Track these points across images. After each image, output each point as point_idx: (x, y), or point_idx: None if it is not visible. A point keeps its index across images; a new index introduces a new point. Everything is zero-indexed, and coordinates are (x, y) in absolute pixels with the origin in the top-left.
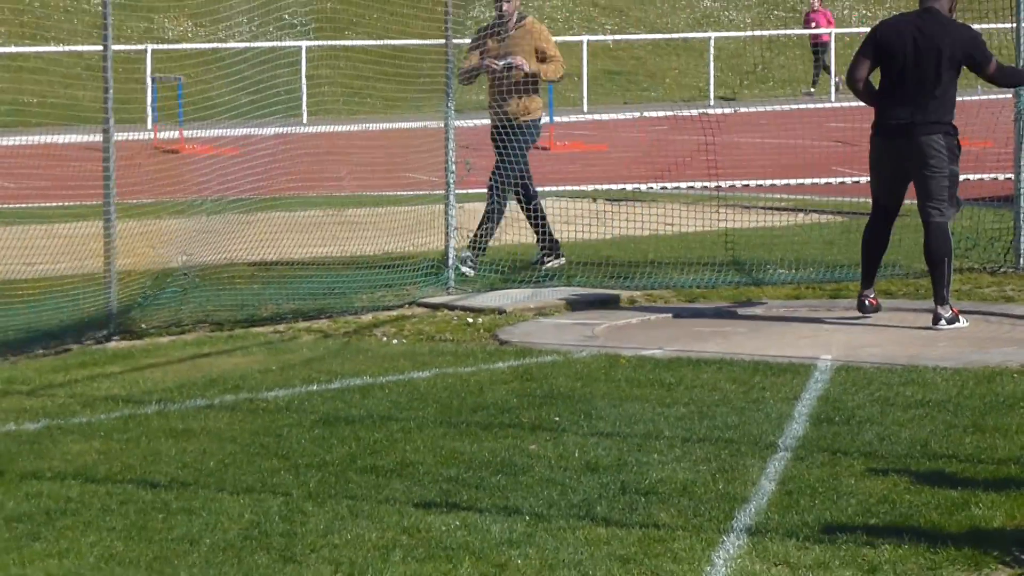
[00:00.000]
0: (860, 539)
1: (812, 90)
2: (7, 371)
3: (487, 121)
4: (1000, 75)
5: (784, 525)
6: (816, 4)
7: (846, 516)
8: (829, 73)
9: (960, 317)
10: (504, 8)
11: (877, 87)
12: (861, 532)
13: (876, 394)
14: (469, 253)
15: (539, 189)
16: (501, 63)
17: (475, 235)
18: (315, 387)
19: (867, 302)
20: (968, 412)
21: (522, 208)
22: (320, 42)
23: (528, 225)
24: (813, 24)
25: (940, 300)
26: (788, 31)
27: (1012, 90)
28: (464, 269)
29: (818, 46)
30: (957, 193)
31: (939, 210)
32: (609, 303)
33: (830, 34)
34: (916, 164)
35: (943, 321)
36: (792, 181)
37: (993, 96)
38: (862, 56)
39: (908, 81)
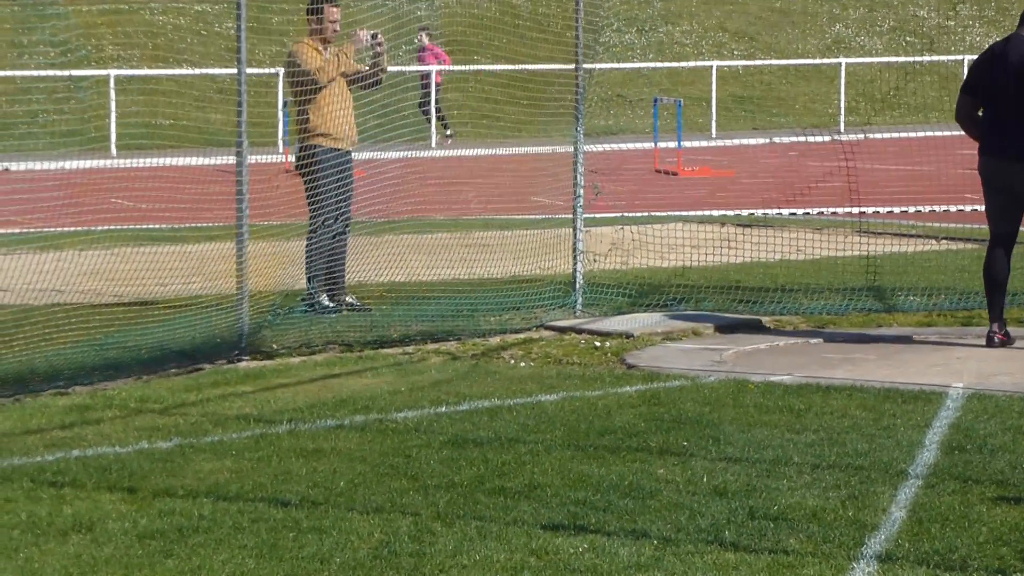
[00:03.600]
0: (991, 567)
1: (450, 133)
2: (140, 390)
3: (618, 146)
4: None
5: (914, 553)
6: (424, 39)
7: (977, 544)
8: (440, 120)
9: None
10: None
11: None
12: (992, 560)
13: (1008, 422)
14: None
15: (668, 214)
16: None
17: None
18: (444, 409)
19: (996, 338)
20: None
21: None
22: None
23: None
24: (432, 60)
25: None
26: (920, 58)
27: None
28: (327, 302)
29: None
30: None
31: None
32: (751, 327)
33: (440, 73)
34: None
35: None
36: (924, 208)
37: None
38: (963, 92)
39: (1007, 105)
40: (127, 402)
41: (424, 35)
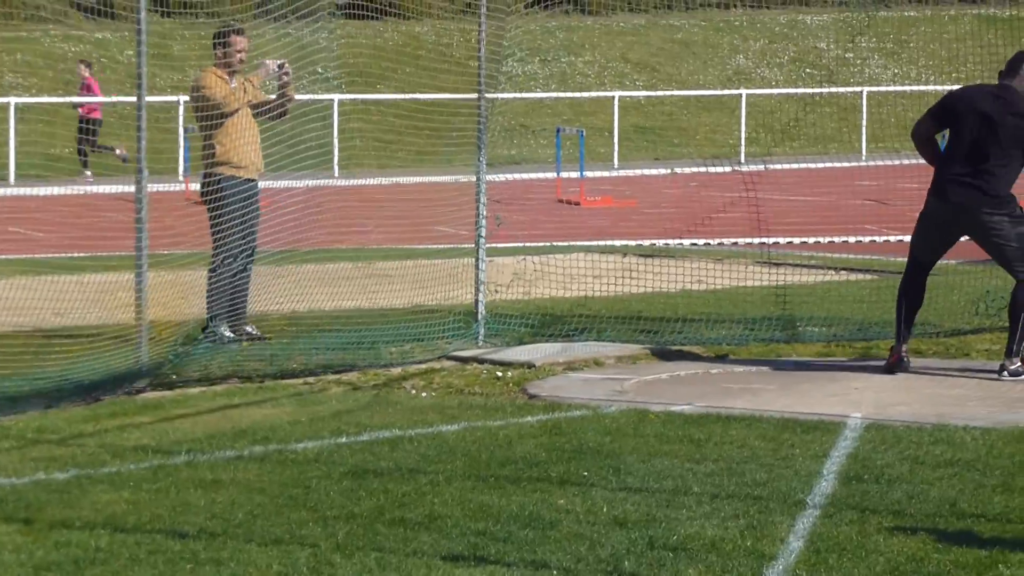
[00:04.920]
0: None
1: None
2: (37, 421)
3: (520, 176)
4: None
5: None
6: (85, 71)
7: (874, 574)
8: (105, 151)
9: None
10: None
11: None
12: None
13: (905, 453)
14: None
15: (570, 244)
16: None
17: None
18: (344, 439)
19: (906, 358)
20: (997, 472)
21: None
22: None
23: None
24: (86, 92)
25: (1007, 351)
26: (820, 89)
27: None
28: (227, 333)
29: (91, 122)
30: None
31: (1022, 270)
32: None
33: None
34: (978, 236)
35: (1006, 372)
36: (823, 239)
37: None
38: (930, 115)
39: (970, 150)
40: (24, 433)
41: (83, 67)
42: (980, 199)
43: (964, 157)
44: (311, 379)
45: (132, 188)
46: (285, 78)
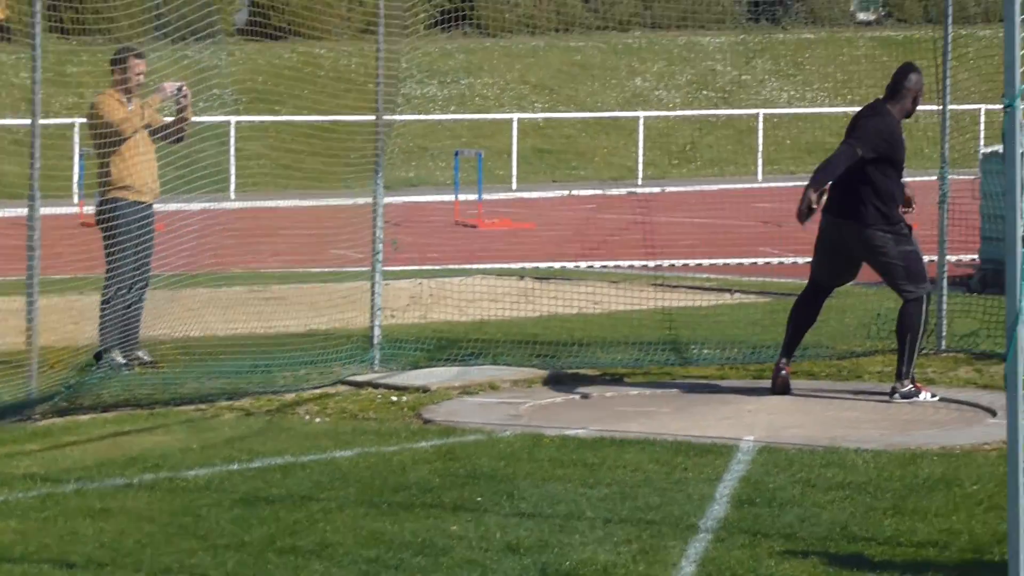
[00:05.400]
0: None
1: None
2: None
3: (418, 198)
4: (835, 153)
5: None
6: None
7: None
8: None
9: (924, 392)
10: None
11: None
12: None
13: (797, 476)
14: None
15: (468, 266)
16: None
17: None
18: (236, 466)
19: (784, 371)
20: (888, 494)
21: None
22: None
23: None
24: None
25: (898, 374)
26: (717, 111)
27: (937, 173)
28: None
29: None
30: (923, 270)
31: (909, 289)
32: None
33: None
34: (865, 255)
35: (897, 394)
36: (719, 261)
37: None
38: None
39: (853, 168)
40: None
41: None
42: (861, 217)
43: (848, 174)
44: (203, 406)
45: (24, 211)
46: (183, 101)
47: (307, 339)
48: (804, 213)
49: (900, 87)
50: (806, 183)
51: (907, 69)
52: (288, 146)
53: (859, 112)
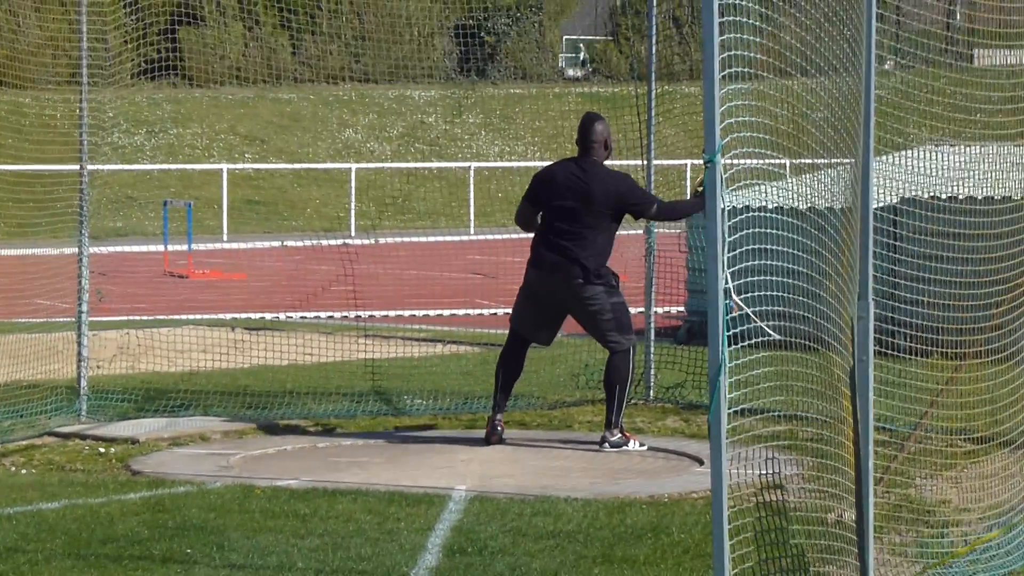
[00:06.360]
0: None
1: None
2: None
3: (126, 248)
4: (665, 212)
5: None
6: None
7: None
8: None
9: (633, 441)
10: None
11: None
12: None
13: (508, 524)
14: None
15: (177, 317)
16: None
17: None
18: None
19: (500, 427)
20: (598, 543)
21: None
22: None
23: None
24: None
25: (607, 423)
26: (429, 164)
27: (642, 226)
28: None
29: None
30: (630, 322)
31: (617, 341)
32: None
33: None
34: (574, 306)
35: (607, 444)
36: (432, 312)
37: (623, 232)
38: (525, 200)
39: (563, 223)
40: None
41: None
42: (574, 270)
43: (557, 230)
44: None
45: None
46: None
47: (11, 390)
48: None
49: (589, 141)
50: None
51: (589, 122)
52: None
53: (569, 172)
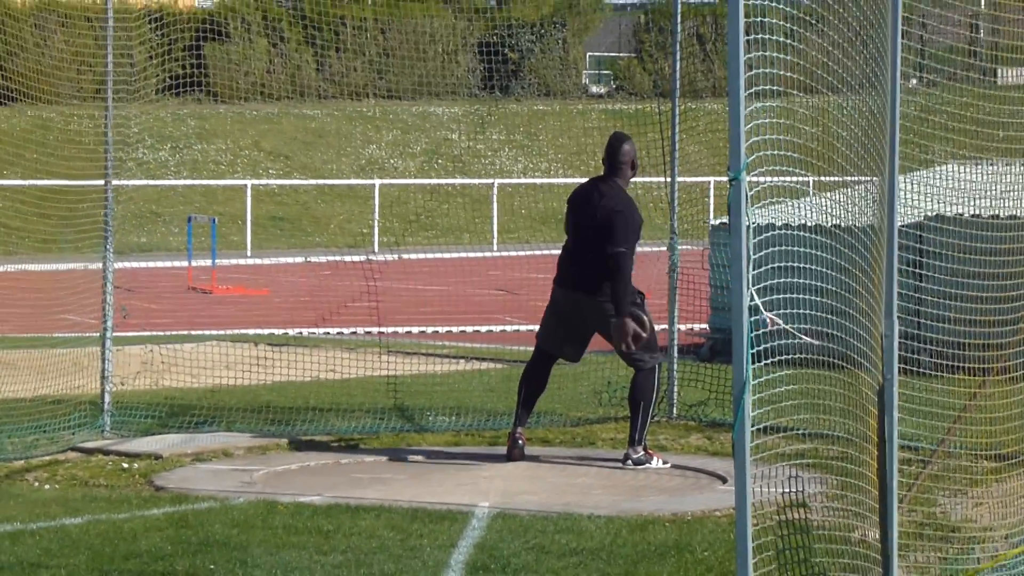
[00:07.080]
0: None
1: None
2: None
3: (151, 263)
4: (614, 264)
5: None
6: None
7: None
8: None
9: (656, 459)
10: None
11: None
12: None
13: (532, 542)
14: None
15: (201, 332)
16: None
17: None
18: None
19: (521, 440)
20: (621, 560)
21: None
22: None
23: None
24: None
25: (631, 441)
26: (452, 180)
27: (666, 244)
28: None
29: None
30: (655, 339)
31: (641, 359)
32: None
33: None
34: (600, 323)
35: (630, 461)
36: (455, 328)
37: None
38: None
39: (585, 242)
40: None
41: None
42: (596, 287)
43: (581, 248)
44: None
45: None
46: None
47: (35, 406)
48: (637, 339)
49: (617, 161)
50: (617, 318)
51: (617, 142)
52: (17, 210)
53: (591, 191)
